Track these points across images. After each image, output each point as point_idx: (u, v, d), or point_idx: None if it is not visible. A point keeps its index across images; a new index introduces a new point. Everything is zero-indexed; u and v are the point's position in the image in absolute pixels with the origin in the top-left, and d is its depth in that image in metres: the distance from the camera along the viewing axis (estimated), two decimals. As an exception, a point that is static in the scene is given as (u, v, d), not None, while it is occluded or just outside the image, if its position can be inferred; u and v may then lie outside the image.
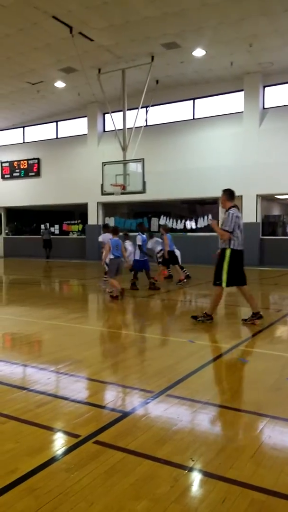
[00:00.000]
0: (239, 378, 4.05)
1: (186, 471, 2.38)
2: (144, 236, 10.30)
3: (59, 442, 2.73)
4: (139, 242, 10.08)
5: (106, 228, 11.73)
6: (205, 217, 18.14)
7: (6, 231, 23.75)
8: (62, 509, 2.02)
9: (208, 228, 17.88)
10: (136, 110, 15.49)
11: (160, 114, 18.52)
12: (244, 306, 8.53)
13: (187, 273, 11.21)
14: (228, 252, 6.12)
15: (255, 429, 3.01)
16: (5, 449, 2.56)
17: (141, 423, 2.98)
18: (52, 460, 2.46)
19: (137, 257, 10.04)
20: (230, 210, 6.20)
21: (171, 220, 19.02)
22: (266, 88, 16.44)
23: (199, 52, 14.05)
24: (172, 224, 18.82)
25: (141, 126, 15.66)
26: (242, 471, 2.38)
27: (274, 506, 2.10)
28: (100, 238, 10.86)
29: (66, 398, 3.43)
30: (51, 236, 20.93)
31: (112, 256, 8.42)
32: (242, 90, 16.47)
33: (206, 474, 2.38)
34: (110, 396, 3.61)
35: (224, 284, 6.16)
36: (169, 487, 2.21)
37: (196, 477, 2.36)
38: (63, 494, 2.12)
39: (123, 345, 5.35)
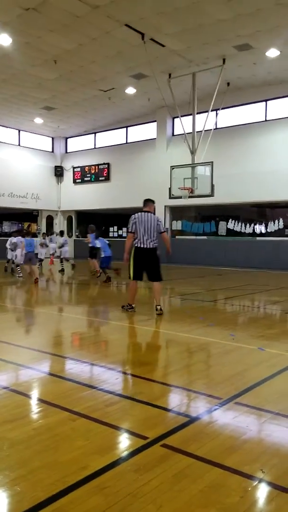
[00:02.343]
0: (313, 390, 3.85)
1: (256, 482, 2.30)
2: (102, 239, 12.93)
3: (127, 443, 2.76)
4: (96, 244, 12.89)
5: (17, 232, 15.58)
6: (276, 221, 17.54)
7: (77, 234, 24.63)
8: (130, 509, 2.03)
9: (278, 233, 17.29)
10: (206, 113, 15.39)
11: (231, 116, 18.24)
12: None
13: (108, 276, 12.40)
14: (133, 249, 7.23)
15: None
16: (77, 446, 2.64)
17: (209, 430, 2.93)
18: (121, 460, 2.49)
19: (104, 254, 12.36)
20: (135, 214, 7.24)
21: (239, 224, 18.63)
22: None
23: (273, 53, 13.65)
24: (241, 228, 18.43)
25: (210, 129, 15.52)
26: None
27: None
28: (14, 240, 13.80)
29: (133, 399, 3.46)
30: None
31: (25, 251, 11.81)
32: None
33: (278, 487, 2.28)
34: (177, 400, 3.59)
35: (131, 278, 7.31)
36: (239, 498, 2.14)
37: (266, 490, 2.27)
38: (131, 495, 2.14)
39: (190, 349, 5.31)
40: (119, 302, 9.24)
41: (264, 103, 17.41)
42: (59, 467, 2.40)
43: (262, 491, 2.26)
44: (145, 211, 7.35)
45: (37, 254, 15.21)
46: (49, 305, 8.94)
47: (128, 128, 21.98)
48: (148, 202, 7.59)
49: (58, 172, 24.55)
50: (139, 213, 7.26)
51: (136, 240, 7.17)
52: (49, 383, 3.94)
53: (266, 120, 17.36)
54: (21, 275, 12.80)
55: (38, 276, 12.08)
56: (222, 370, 4.40)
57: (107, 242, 12.68)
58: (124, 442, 2.77)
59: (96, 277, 12.96)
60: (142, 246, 7.17)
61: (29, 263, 11.93)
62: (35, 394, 3.65)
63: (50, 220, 25.26)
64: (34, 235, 18.06)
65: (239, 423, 3.05)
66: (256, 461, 2.51)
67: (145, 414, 3.17)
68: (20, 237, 13.48)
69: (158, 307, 7.32)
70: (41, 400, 3.46)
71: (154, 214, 7.48)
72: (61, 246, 15.95)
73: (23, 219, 24.37)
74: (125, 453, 2.58)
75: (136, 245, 7.19)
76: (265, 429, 2.99)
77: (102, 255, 12.40)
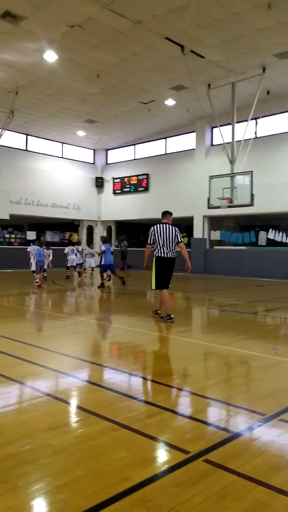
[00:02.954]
0: None
1: (304, 505, 2.21)
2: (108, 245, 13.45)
3: (169, 456, 2.74)
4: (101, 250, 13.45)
5: (36, 242, 15.82)
6: None
7: (116, 244, 24.90)
8: (173, 524, 2.01)
9: None
10: (245, 122, 15.25)
11: (271, 125, 17.99)
12: None
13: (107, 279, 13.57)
14: (154, 259, 7.52)
15: None
16: (118, 456, 2.64)
17: (253, 447, 2.86)
18: (162, 473, 2.47)
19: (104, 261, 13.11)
20: (153, 226, 7.60)
21: (280, 233, 18.24)
22: None
23: (314, 59, 13.40)
24: (282, 238, 18.03)
25: (250, 138, 15.35)
26: None
27: None
28: (28, 249, 14.94)
29: (173, 411, 3.43)
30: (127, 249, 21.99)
31: (36, 260, 13.08)
32: None
33: None
34: (218, 414, 3.53)
35: (153, 287, 7.57)
36: (285, 520, 2.07)
37: (315, 514, 2.18)
38: (174, 510, 2.11)
39: (229, 362, 5.22)
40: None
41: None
42: (102, 477, 2.40)
43: (310, 514, 2.18)
44: (163, 223, 7.62)
45: (81, 263, 16.05)
46: (88, 314, 9.05)
47: (167, 139, 22.13)
48: (166, 214, 7.86)
49: (99, 183, 25.01)
50: (157, 225, 7.57)
51: (157, 250, 7.47)
52: (89, 391, 3.98)
53: (308, 128, 17.00)
54: (37, 281, 13.20)
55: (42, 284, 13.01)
56: (264, 384, 4.29)
57: (111, 249, 13.42)
58: (165, 455, 2.75)
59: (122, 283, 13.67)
60: (163, 256, 7.45)
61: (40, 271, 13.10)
62: (76, 402, 3.69)
63: (90, 230, 25.71)
64: (77, 244, 18.64)
65: (285, 441, 2.95)
66: (303, 481, 2.42)
67: (186, 428, 3.13)
68: (35, 246, 14.15)
69: (172, 315, 7.45)
70: (81, 409, 3.49)
71: (173, 225, 7.70)
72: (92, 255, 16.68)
73: (64, 229, 24.93)
74: (166, 467, 2.56)
75: (157, 255, 7.47)
76: (311, 449, 2.88)
77: (103, 262, 13.12)
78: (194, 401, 3.79)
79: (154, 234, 7.51)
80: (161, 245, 7.43)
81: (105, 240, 14.10)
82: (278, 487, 2.34)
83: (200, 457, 2.64)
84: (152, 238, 7.52)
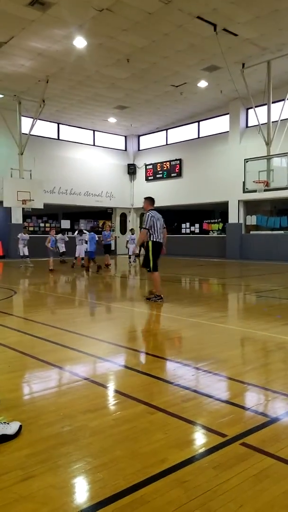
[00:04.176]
0: None
1: None
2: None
3: (206, 439, 2.74)
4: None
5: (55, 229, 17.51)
6: None
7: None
8: (211, 505, 2.02)
9: None
10: (282, 102, 14.76)
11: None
12: None
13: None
14: (150, 243, 8.02)
15: None
16: (155, 439, 2.67)
17: (291, 431, 2.82)
18: (199, 455, 2.48)
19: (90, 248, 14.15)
20: (149, 212, 8.08)
21: None
22: None
23: None
24: None
25: (287, 119, 14.86)
26: None
27: None
28: (19, 236, 16.68)
29: (210, 396, 3.43)
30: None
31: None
32: None
33: None
34: (255, 398, 3.50)
35: (151, 270, 8.04)
36: None
37: None
38: (211, 491, 2.12)
39: (267, 347, 5.15)
40: (192, 299, 9.21)
41: None
42: (140, 457, 2.44)
43: None
44: (155, 209, 8.28)
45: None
46: (122, 301, 9.14)
47: (200, 122, 21.75)
48: (153, 200, 8.52)
49: (131, 170, 24.98)
50: (154, 211, 8.17)
51: (154, 235, 8.03)
52: (126, 376, 4.03)
53: None
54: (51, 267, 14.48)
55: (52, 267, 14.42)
56: (303, 370, 4.21)
57: (96, 238, 14.33)
58: (202, 438, 2.76)
59: (106, 270, 14.89)
60: (159, 240, 8.09)
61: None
62: (113, 386, 3.76)
63: (123, 218, 25.81)
64: (61, 232, 19.05)
65: None
66: None
67: (223, 412, 3.12)
68: (22, 234, 16.51)
69: (159, 296, 8.11)
70: (119, 392, 3.55)
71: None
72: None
73: (98, 216, 25.15)
74: (203, 449, 2.57)
75: (154, 239, 8.04)
76: None
77: (88, 249, 14.34)
78: (231, 386, 3.77)
79: (154, 220, 8.03)
80: (157, 231, 8.04)
81: (91, 229, 15.90)
82: None
83: (238, 441, 2.63)
84: (150, 224, 8.02)
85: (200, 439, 2.76)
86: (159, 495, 2.09)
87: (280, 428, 2.87)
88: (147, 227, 8.04)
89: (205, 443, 2.67)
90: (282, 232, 18.56)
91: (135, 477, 2.23)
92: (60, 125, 22.61)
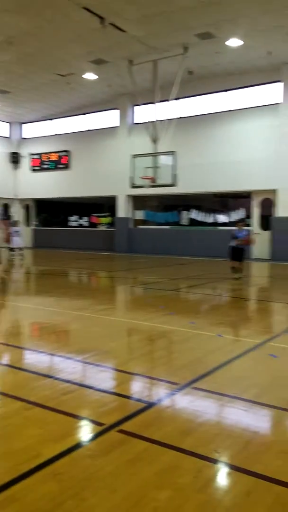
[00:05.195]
0: (268, 374, 3.95)
1: (211, 463, 2.33)
2: None
3: (83, 430, 2.74)
4: None
5: None
6: (238, 211, 17.85)
7: (35, 223, 24.10)
8: (84, 494, 2.01)
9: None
10: (169, 102, 15.35)
11: (194, 105, 18.25)
12: (278, 301, 8.36)
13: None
14: None
15: (283, 424, 2.93)
16: (30, 434, 2.58)
17: (166, 414, 2.95)
18: (76, 446, 2.47)
19: None
20: None
21: (201, 213, 18.84)
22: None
23: (234, 42, 13.71)
24: (203, 218, 18.67)
25: (173, 118, 15.51)
26: (269, 465, 2.31)
27: (301, 504, 2.03)
28: None
29: (91, 387, 3.43)
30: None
31: None
32: (279, 81, 15.98)
33: (231, 467, 2.33)
34: (136, 386, 3.59)
35: None
36: (193, 478, 2.17)
37: (220, 469, 2.32)
38: (86, 480, 2.12)
39: (150, 337, 5.33)
40: (78, 292, 9.16)
41: (227, 92, 17.52)
42: (12, 455, 2.34)
43: (216, 471, 2.30)
44: None
45: None
46: (3, 296, 8.73)
47: (89, 115, 21.61)
48: None
49: (14, 158, 23.79)
50: None
51: None
52: (5, 374, 3.84)
53: (229, 110, 17.49)
54: None
55: None
56: (181, 356, 4.44)
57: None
58: (80, 429, 2.74)
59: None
60: None
61: None
62: (-11, 385, 3.55)
63: (5, 208, 24.46)
64: None
65: (196, 407, 3.08)
66: (211, 442, 2.55)
67: (102, 401, 3.14)
68: None
69: None
70: (-5, 391, 3.36)
71: None
72: None
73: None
74: (80, 440, 2.55)
75: None
76: (222, 412, 3.04)
77: None
78: (112, 376, 3.82)
79: None
80: None
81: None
82: (188, 449, 2.44)
83: (115, 428, 2.67)
84: None
85: (77, 430, 2.74)
86: (30, 491, 2.02)
87: (157, 412, 2.98)
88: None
89: (82, 434, 2.66)
90: (168, 227, 19.40)
91: (6, 476, 2.13)
92: None
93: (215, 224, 18.32)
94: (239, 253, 10.50)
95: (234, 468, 2.31)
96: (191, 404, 3.14)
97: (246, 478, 2.21)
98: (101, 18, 12.02)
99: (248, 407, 3.12)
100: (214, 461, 2.35)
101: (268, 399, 3.27)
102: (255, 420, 2.96)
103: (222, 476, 2.28)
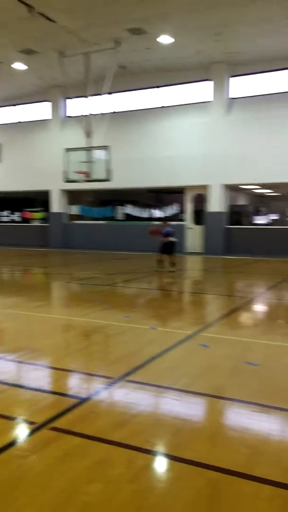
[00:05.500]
0: (200, 363, 4.09)
1: (143, 453, 2.38)
2: None
3: (14, 430, 2.67)
4: None
5: None
6: (172, 207, 18.20)
7: None
8: (14, 496, 1.97)
9: (176, 217, 17.94)
10: (101, 96, 15.22)
11: (128, 100, 18.28)
12: (210, 293, 8.65)
13: None
14: None
15: (213, 411, 3.06)
16: None
17: (99, 409, 2.96)
18: (7, 447, 2.40)
19: None
20: None
21: (136, 208, 18.98)
22: (232, 78, 16.42)
23: (165, 39, 13.89)
24: (139, 213, 18.82)
25: (107, 113, 15.42)
26: (199, 451, 2.41)
27: (229, 484, 2.13)
28: None
29: (23, 386, 3.35)
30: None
31: None
32: (209, 80, 16.44)
33: (163, 455, 2.39)
34: (69, 383, 3.57)
35: None
36: (125, 469, 2.20)
37: (152, 458, 2.37)
38: (17, 480, 2.08)
39: (85, 332, 5.30)
40: (11, 290, 8.89)
41: (159, 89, 17.72)
42: None
43: (147, 460, 2.35)
44: None
45: None
46: None
47: (20, 106, 20.90)
48: None
49: None
50: None
51: None
52: None
53: (162, 107, 17.70)
54: None
55: None
56: (115, 350, 4.47)
57: None
58: (10, 430, 2.67)
59: None
60: None
61: None
62: None
63: None
64: None
65: (130, 399, 3.12)
66: (143, 433, 2.60)
67: (35, 400, 3.09)
68: None
69: None
70: None
71: None
72: None
73: None
74: (10, 440, 2.49)
75: None
76: (155, 403, 3.11)
77: None
78: (46, 374, 3.76)
79: None
80: None
81: None
82: (120, 441, 2.47)
83: (46, 426, 2.63)
84: None
85: (7, 431, 2.66)
86: None
87: (89, 407, 2.98)
88: None
89: (13, 434, 2.60)
90: (103, 222, 19.33)
91: None
92: None
93: (150, 219, 18.56)
94: (168, 247, 10.73)
95: (166, 456, 2.38)
96: (125, 396, 3.17)
97: (177, 465, 2.28)
98: (29, 6, 11.64)
99: (180, 396, 3.21)
100: (146, 451, 2.40)
101: (198, 387, 3.39)
102: (186, 408, 3.06)
103: (154, 465, 2.33)
